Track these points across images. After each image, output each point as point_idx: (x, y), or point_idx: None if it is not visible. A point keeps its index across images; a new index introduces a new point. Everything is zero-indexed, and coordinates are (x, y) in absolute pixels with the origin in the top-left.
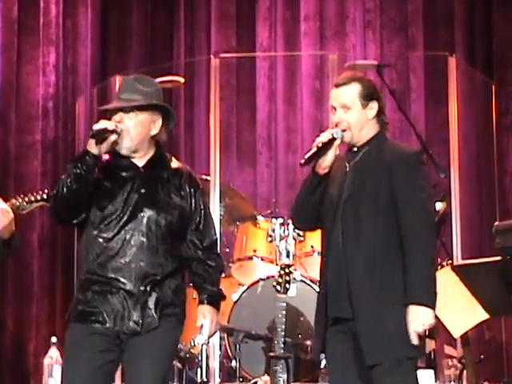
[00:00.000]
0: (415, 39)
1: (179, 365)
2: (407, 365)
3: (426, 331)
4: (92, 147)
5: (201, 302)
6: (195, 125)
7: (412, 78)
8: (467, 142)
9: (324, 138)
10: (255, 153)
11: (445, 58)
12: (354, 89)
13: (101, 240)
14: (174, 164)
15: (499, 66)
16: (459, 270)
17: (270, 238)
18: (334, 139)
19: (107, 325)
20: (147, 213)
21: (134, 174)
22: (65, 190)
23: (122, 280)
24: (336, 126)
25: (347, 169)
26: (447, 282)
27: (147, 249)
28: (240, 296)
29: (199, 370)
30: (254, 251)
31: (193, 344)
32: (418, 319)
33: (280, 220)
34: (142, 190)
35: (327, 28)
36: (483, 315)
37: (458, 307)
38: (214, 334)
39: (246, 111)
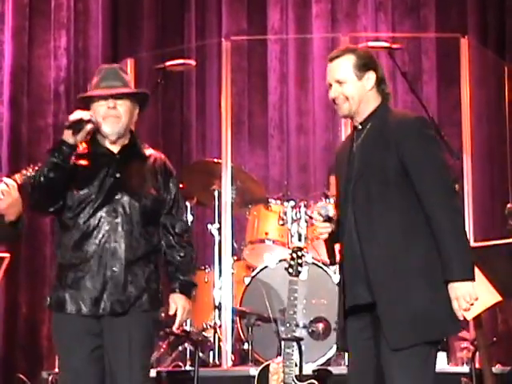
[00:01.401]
0: (427, 21)
1: (191, 347)
2: (428, 349)
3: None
4: (68, 137)
5: (172, 291)
6: (207, 108)
7: (424, 60)
8: (479, 124)
9: (323, 230)
10: (267, 136)
11: (457, 39)
12: (348, 61)
13: (77, 222)
14: (149, 151)
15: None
16: (472, 253)
17: (281, 221)
18: (328, 219)
19: (84, 310)
20: (122, 196)
21: (110, 159)
22: (42, 178)
23: (97, 262)
24: (333, 101)
25: (354, 149)
26: None
27: (121, 231)
28: (252, 279)
29: (211, 352)
30: (266, 234)
31: (205, 327)
32: (461, 295)
33: (292, 203)
34: (117, 175)
35: (339, 10)
36: (496, 297)
37: None
38: (186, 320)
39: (258, 94)
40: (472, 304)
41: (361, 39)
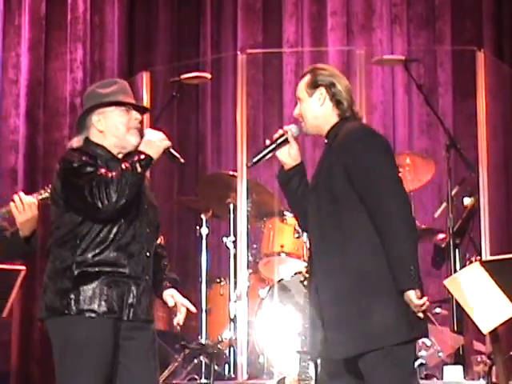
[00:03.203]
0: (442, 33)
1: (207, 360)
2: (394, 354)
3: (422, 311)
4: (156, 157)
5: (164, 288)
6: (222, 121)
7: (439, 73)
8: (495, 137)
9: (276, 135)
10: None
11: (473, 52)
12: (304, 80)
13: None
14: None
15: None
16: (488, 266)
17: (297, 234)
18: (283, 135)
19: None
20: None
21: None
22: (133, 192)
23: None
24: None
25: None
26: (476, 277)
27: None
28: (268, 292)
29: (227, 365)
30: (282, 247)
31: (220, 340)
32: (410, 303)
33: None
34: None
35: (354, 23)
36: None
37: (487, 303)
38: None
39: (273, 107)
40: (419, 309)
41: (376, 52)
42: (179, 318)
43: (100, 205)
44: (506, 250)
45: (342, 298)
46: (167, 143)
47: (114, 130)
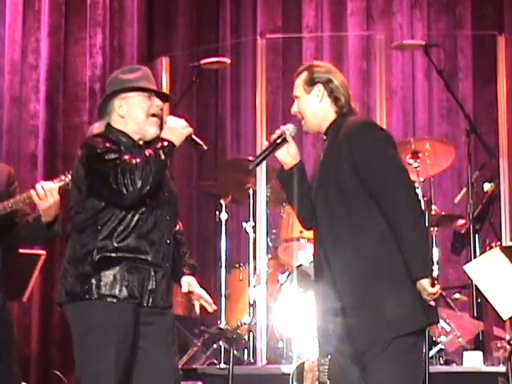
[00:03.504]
0: (463, 18)
1: (226, 345)
2: (397, 345)
3: (434, 299)
4: (179, 143)
5: (183, 275)
6: (241, 106)
7: (460, 58)
8: None
9: (274, 135)
10: (301, 133)
11: (493, 37)
12: (300, 78)
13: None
14: None
15: None
16: (508, 251)
17: None
18: (281, 135)
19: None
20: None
21: None
22: (156, 179)
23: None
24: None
25: (321, 158)
26: (496, 263)
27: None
28: (287, 277)
29: (246, 350)
30: (301, 232)
31: (239, 325)
32: (423, 291)
33: None
34: None
35: (374, 8)
36: None
37: (507, 288)
38: None
39: (292, 92)
40: (431, 297)
41: (396, 37)
42: (195, 305)
43: (125, 191)
44: None
45: (361, 285)
46: (189, 130)
47: (135, 115)
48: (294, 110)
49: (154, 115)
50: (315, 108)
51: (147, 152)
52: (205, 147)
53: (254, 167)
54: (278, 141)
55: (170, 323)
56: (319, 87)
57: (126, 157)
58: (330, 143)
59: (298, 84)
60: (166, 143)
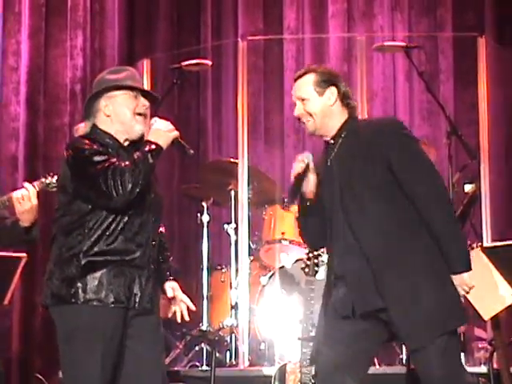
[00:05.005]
0: (444, 20)
1: (208, 347)
2: (449, 341)
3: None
4: (165, 146)
5: (166, 280)
6: (223, 108)
7: (441, 60)
8: (497, 124)
9: (298, 167)
10: (283, 135)
11: (474, 38)
12: (308, 79)
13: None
14: None
15: None
16: (489, 252)
17: None
18: (307, 165)
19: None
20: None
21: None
22: (145, 182)
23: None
24: (298, 119)
25: (329, 163)
26: (477, 263)
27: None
28: (269, 279)
29: (228, 352)
30: (283, 234)
31: (221, 327)
32: (459, 286)
33: None
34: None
35: (355, 9)
36: None
37: (487, 289)
38: None
39: (274, 94)
40: (468, 292)
41: (377, 39)
42: (177, 311)
43: (115, 194)
44: (507, 237)
45: (418, 283)
46: (176, 133)
47: (121, 114)
48: (299, 111)
49: (140, 114)
50: (327, 110)
51: (136, 155)
52: (191, 151)
53: (292, 201)
54: (305, 172)
55: (157, 321)
56: (332, 89)
57: (114, 159)
58: (347, 146)
59: (306, 85)
60: (153, 146)
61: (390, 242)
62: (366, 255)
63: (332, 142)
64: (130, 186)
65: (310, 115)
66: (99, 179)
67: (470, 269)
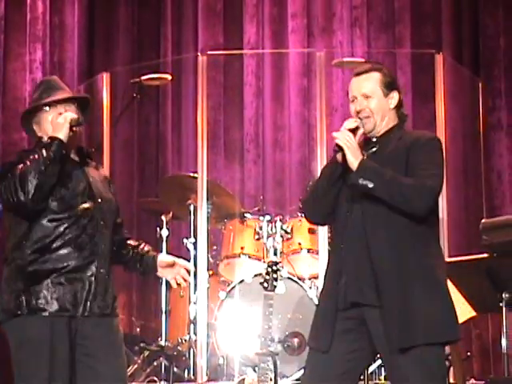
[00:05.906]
0: (402, 36)
1: (166, 362)
2: (437, 351)
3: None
4: (62, 134)
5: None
6: (182, 122)
7: (399, 75)
8: (454, 140)
9: (350, 123)
10: (242, 150)
11: (432, 55)
12: (376, 76)
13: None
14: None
15: (486, 63)
16: (446, 268)
17: (257, 236)
18: (357, 128)
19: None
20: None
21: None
22: (42, 176)
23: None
24: (358, 113)
25: (364, 157)
26: None
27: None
28: (227, 294)
29: (186, 367)
30: (242, 249)
31: (180, 341)
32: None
33: (267, 217)
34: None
35: (314, 25)
36: (470, 312)
37: None
38: None
39: (234, 109)
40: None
41: (336, 55)
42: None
43: (23, 199)
44: (465, 252)
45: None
46: (69, 116)
47: (49, 131)
48: (361, 107)
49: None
50: (386, 112)
51: (31, 156)
52: (83, 122)
53: (339, 150)
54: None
55: (115, 331)
56: (395, 94)
57: (20, 166)
58: (386, 146)
59: (372, 83)
60: (45, 139)
61: (399, 250)
62: (372, 255)
63: (374, 139)
64: (26, 187)
65: (372, 112)
66: (5, 193)
67: (363, 177)
